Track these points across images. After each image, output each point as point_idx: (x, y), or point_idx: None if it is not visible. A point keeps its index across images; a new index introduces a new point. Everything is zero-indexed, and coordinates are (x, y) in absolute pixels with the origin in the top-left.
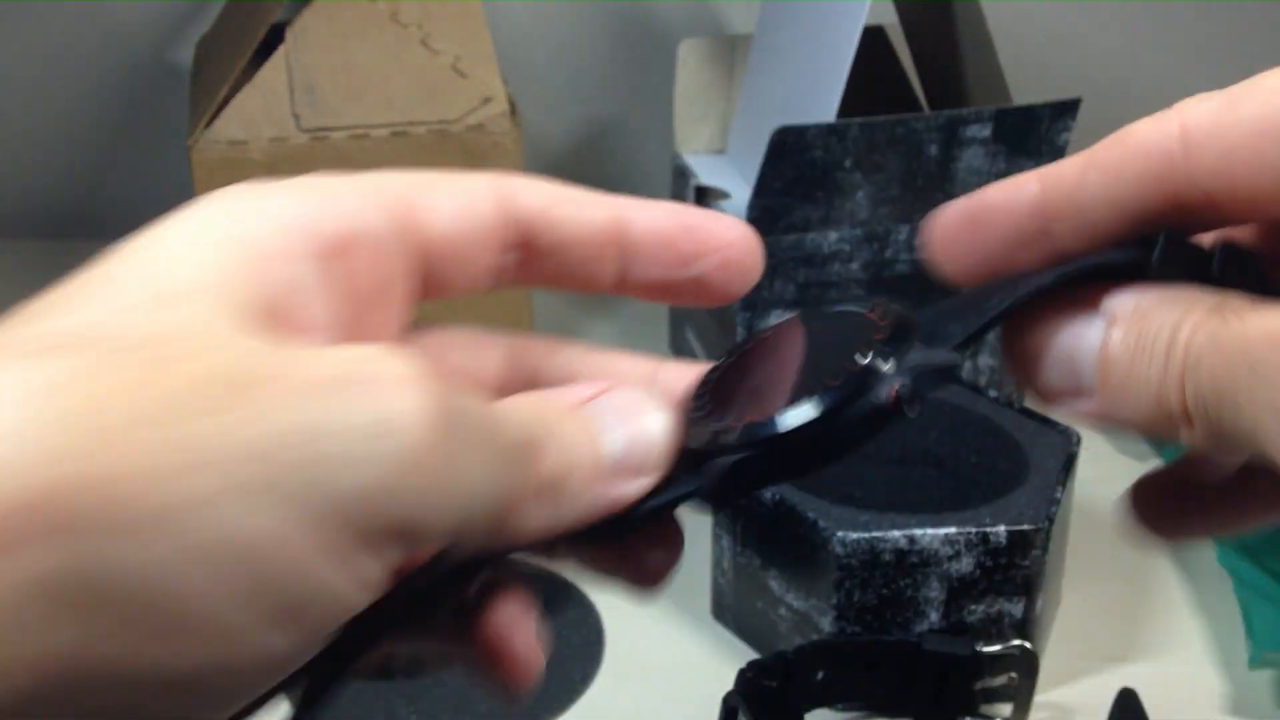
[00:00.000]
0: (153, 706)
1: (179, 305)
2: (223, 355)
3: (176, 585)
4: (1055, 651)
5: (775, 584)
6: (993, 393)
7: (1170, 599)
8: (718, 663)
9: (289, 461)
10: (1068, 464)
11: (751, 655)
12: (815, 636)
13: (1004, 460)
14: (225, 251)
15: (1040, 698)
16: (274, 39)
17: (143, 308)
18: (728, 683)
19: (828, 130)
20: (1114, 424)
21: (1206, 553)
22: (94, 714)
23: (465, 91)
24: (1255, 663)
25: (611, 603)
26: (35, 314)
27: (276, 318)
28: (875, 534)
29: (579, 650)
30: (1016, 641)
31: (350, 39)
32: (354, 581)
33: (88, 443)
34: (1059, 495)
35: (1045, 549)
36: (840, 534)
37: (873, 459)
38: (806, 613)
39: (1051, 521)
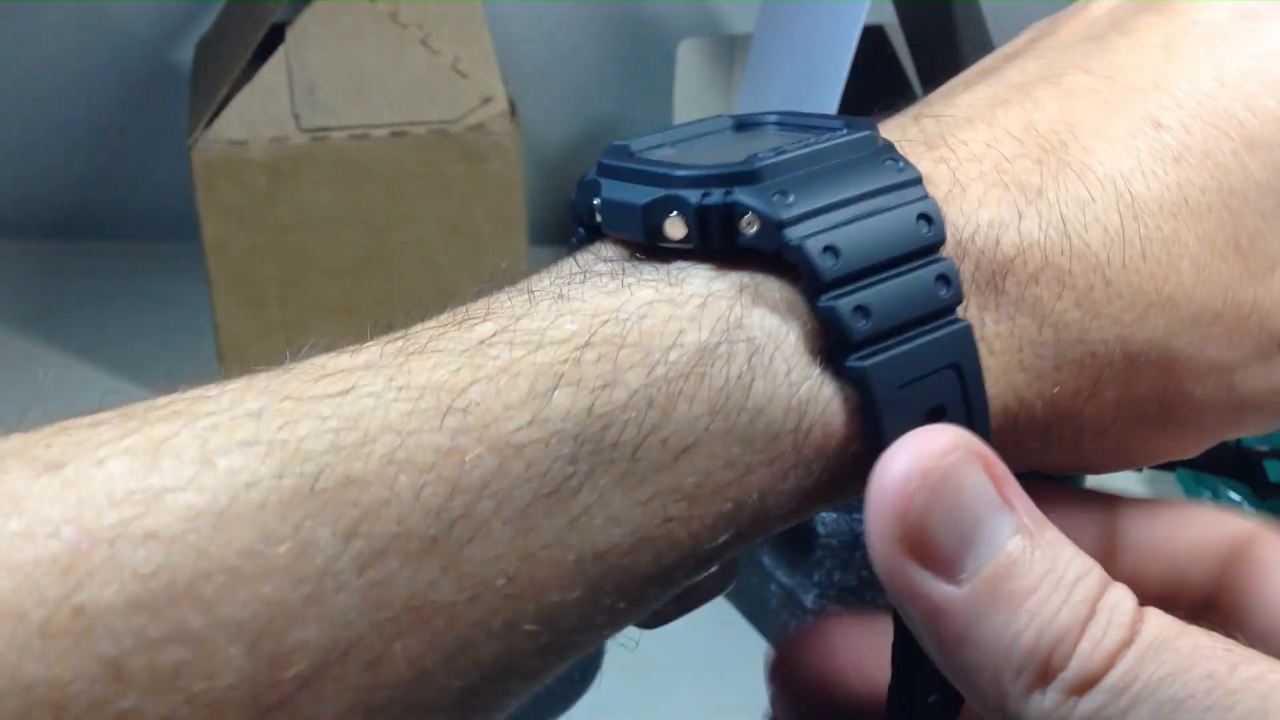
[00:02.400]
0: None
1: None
2: None
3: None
4: None
5: (767, 559)
6: None
7: None
8: (720, 661)
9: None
10: None
11: (750, 636)
12: (800, 613)
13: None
14: None
15: None
16: (274, 39)
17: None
18: (729, 681)
19: None
20: (960, 645)
21: None
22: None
23: (465, 91)
24: None
25: None
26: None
27: None
28: (856, 515)
29: None
30: None
31: (350, 39)
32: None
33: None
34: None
35: None
36: (822, 514)
37: None
38: (792, 589)
39: None
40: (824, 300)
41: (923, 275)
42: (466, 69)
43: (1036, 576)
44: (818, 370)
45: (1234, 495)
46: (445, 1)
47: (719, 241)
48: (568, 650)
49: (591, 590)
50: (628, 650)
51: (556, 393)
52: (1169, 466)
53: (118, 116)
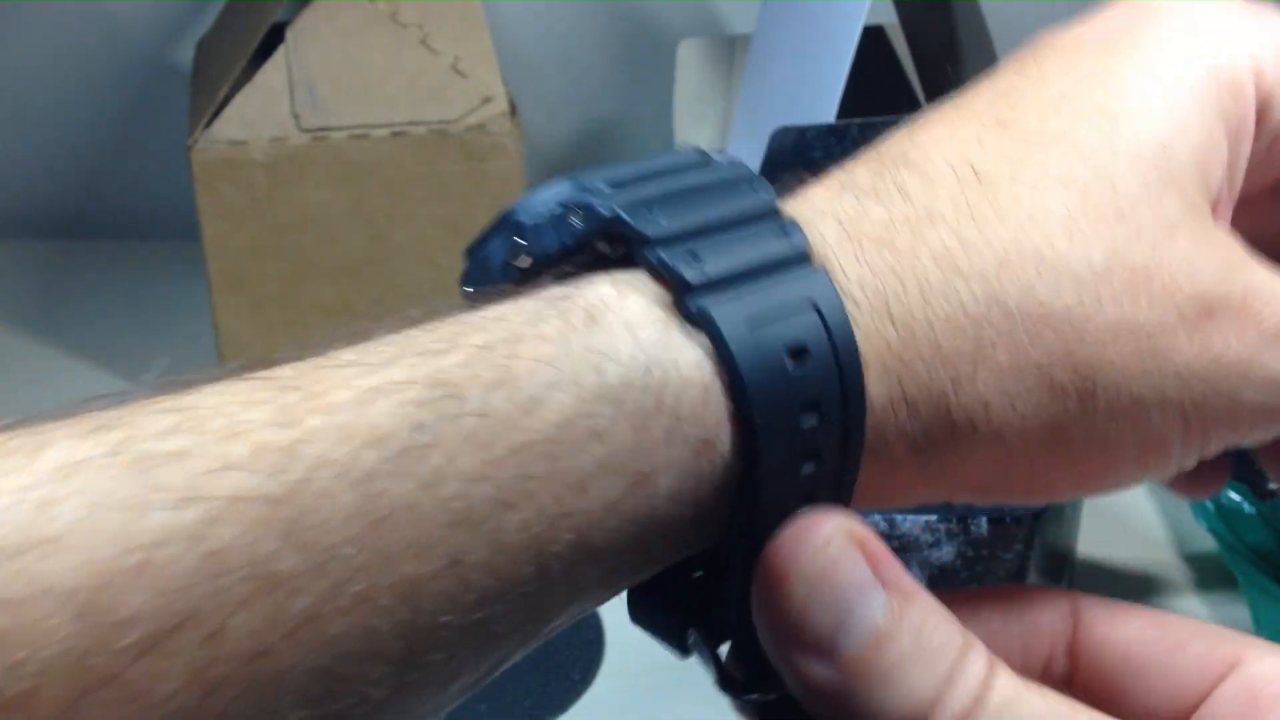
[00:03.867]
0: None
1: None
2: (1200, 263)
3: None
4: None
5: None
6: None
7: (1178, 596)
8: None
9: (1211, 389)
10: None
11: None
12: None
13: None
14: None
15: None
16: (274, 39)
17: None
18: None
19: (827, 130)
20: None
21: (1210, 554)
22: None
23: (465, 91)
24: None
25: (611, 603)
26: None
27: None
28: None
29: (579, 650)
30: None
31: (350, 39)
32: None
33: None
34: None
35: (1030, 545)
36: None
37: None
38: None
39: (1037, 518)
40: (652, 251)
41: (761, 228)
42: (466, 69)
43: (903, 649)
44: (662, 321)
45: (1234, 495)
46: (445, 1)
47: (557, 248)
48: (439, 641)
49: (452, 563)
50: (628, 650)
51: (395, 365)
52: None
53: (118, 116)
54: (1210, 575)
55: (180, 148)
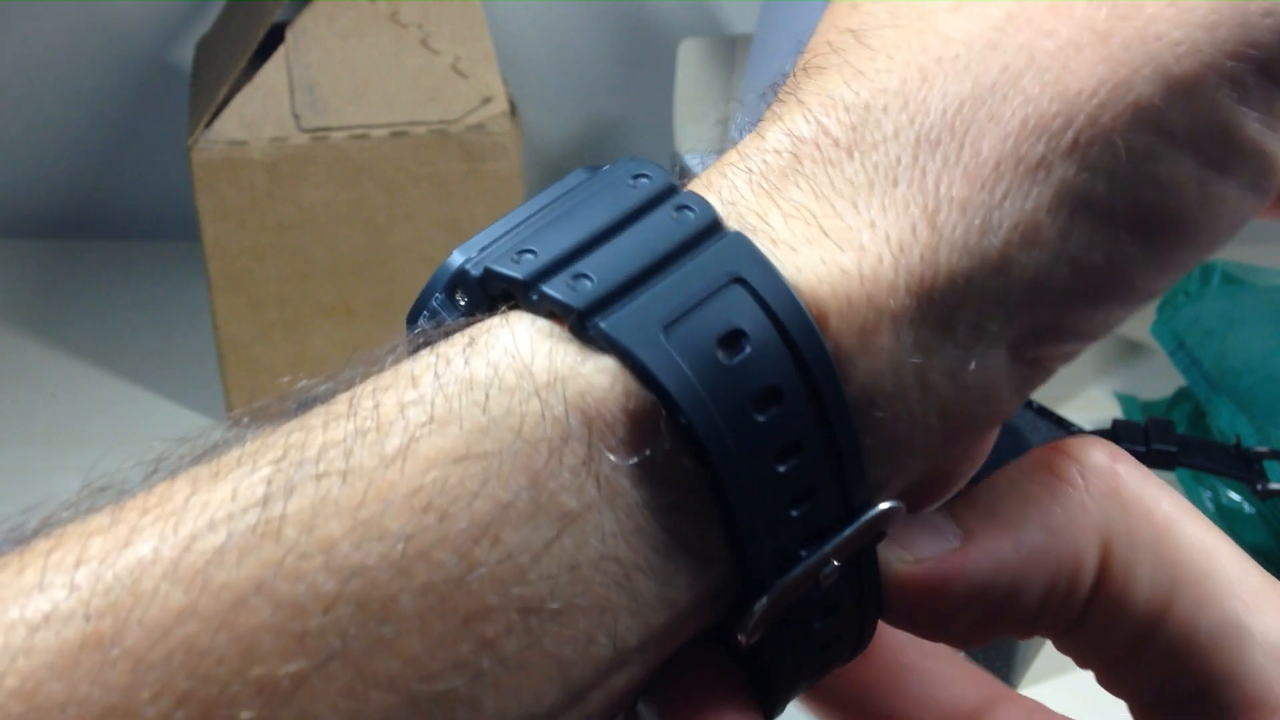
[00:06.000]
0: None
1: None
2: None
3: None
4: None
5: None
6: None
7: None
8: None
9: None
10: None
11: None
12: None
13: (1011, 459)
14: None
15: (1049, 693)
16: (274, 39)
17: None
18: None
19: None
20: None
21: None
22: None
23: (465, 91)
24: None
25: None
26: None
27: None
28: None
29: None
30: None
31: (350, 39)
32: None
33: None
34: None
35: None
36: None
37: None
38: None
39: None
40: (533, 289)
41: (655, 218)
42: (466, 69)
43: None
44: (562, 349)
45: (1234, 495)
46: (445, 1)
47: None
48: None
49: (328, 659)
50: None
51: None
52: (1169, 465)
53: (118, 116)
54: None
55: (180, 148)
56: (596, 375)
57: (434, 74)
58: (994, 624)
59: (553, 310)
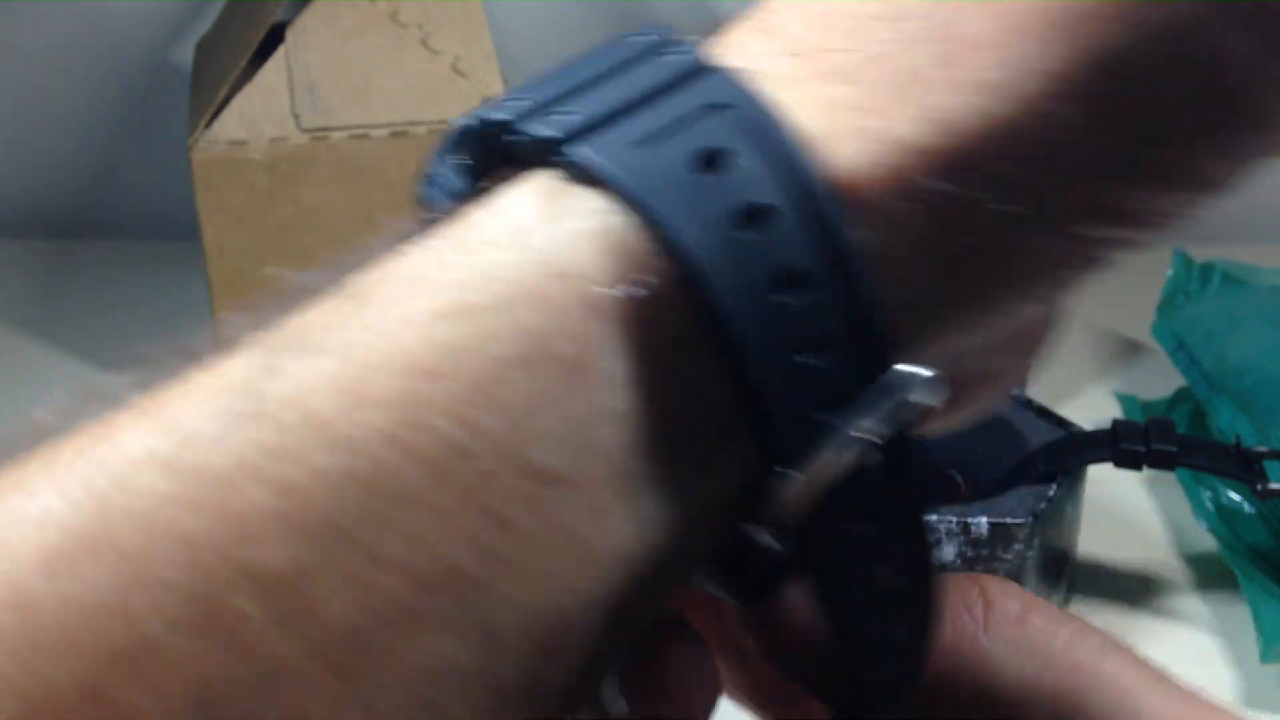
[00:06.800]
0: None
1: None
2: None
3: None
4: None
5: None
6: (1014, 392)
7: (1178, 596)
8: None
9: None
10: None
11: None
12: None
13: (1011, 459)
14: None
15: None
16: (274, 39)
17: None
18: None
19: None
20: None
21: (1210, 554)
22: None
23: (465, 91)
24: (1268, 657)
25: None
26: None
27: None
28: None
29: None
30: None
31: (350, 39)
32: None
33: None
34: (1051, 494)
35: (1030, 545)
36: None
37: None
38: None
39: (1037, 518)
40: (515, 132)
41: (642, 66)
42: (466, 69)
43: None
44: (545, 189)
45: (1234, 495)
46: (445, 1)
47: (466, 186)
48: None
49: (317, 533)
50: None
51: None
52: (1169, 465)
53: (118, 116)
54: (1210, 575)
55: (180, 148)
56: (578, 207)
57: (434, 74)
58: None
59: (538, 155)
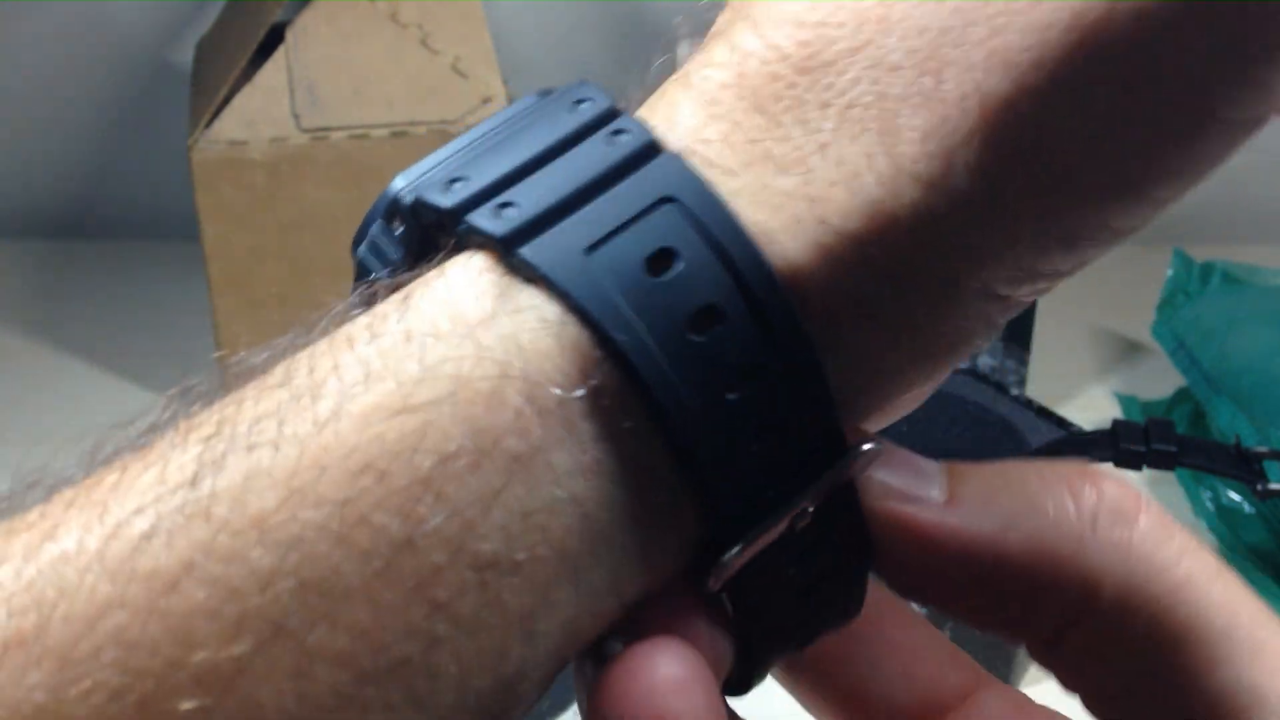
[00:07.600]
0: None
1: None
2: None
3: None
4: None
5: None
6: (1014, 392)
7: None
8: None
9: None
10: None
11: None
12: None
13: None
14: None
15: (1049, 692)
16: (274, 39)
17: None
18: None
19: None
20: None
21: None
22: None
23: (465, 91)
24: None
25: None
26: None
27: None
28: None
29: None
30: None
31: (350, 39)
32: None
33: None
34: None
35: None
36: None
37: None
38: None
39: None
40: (461, 222)
41: (588, 147)
42: (466, 69)
43: None
44: (493, 285)
45: (1234, 495)
46: (445, 1)
47: (399, 260)
48: None
49: (260, 632)
50: None
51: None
52: (1169, 465)
53: (118, 116)
54: None
55: (180, 148)
56: (527, 307)
57: (434, 74)
58: (976, 601)
59: (482, 243)
